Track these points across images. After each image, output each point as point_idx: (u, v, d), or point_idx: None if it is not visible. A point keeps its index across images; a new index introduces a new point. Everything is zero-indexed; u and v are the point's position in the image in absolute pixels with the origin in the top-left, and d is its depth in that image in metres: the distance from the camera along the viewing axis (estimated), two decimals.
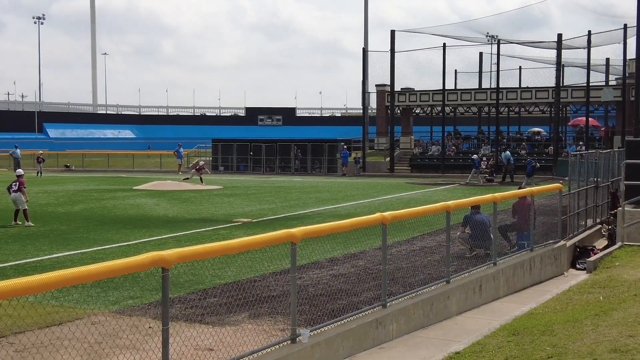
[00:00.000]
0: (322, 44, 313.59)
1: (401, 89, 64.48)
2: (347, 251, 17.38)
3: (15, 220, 25.04)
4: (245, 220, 25.71)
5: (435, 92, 62.93)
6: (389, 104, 64.05)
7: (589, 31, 53.73)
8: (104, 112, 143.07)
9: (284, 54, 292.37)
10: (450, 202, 13.76)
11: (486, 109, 66.64)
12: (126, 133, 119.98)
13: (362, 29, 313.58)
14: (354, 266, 16.00)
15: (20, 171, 27.03)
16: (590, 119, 59.11)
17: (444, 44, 59.45)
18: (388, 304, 11.73)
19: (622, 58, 54.51)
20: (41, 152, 63.95)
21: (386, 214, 11.58)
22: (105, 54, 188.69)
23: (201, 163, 48.00)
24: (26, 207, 25.18)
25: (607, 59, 61.79)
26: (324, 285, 13.93)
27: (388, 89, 63.44)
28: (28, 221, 24.84)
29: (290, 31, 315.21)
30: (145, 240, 21.14)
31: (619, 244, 19.46)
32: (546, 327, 10.58)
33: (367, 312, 11.33)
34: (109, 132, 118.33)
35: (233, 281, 14.18)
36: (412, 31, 64.62)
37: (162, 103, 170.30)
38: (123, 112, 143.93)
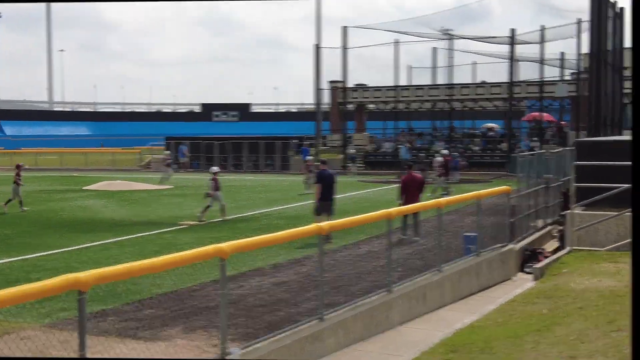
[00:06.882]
0: (267, 38, 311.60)
1: (355, 85, 64.10)
2: (292, 256, 17.04)
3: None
4: (191, 222, 25.29)
5: (388, 88, 62.70)
6: (341, 100, 63.66)
7: (542, 26, 54.00)
8: (61, 109, 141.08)
9: (231, 49, 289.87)
10: (392, 210, 13.48)
11: (440, 104, 66.61)
12: (82, 130, 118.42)
13: (303, 23, 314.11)
14: (297, 273, 15.67)
15: (214, 169, 28.45)
16: (545, 113, 59.31)
17: (396, 40, 59.30)
18: (326, 317, 11.35)
19: (576, 52, 54.81)
20: (168, 151, 56.44)
21: (323, 224, 11.28)
22: (62, 50, 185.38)
23: (308, 158, 43.49)
24: (224, 202, 26.80)
25: (562, 53, 62.09)
26: (264, 294, 13.60)
27: (341, 85, 63.00)
28: (224, 215, 26.47)
29: (233, 26, 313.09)
30: (87, 245, 20.70)
31: (567, 248, 19.06)
32: (486, 343, 10.31)
33: (303, 327, 10.96)
34: (65, 130, 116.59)
35: (171, 290, 13.74)
36: (363, 27, 64.00)
37: (118, 100, 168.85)
38: (79, 109, 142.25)
